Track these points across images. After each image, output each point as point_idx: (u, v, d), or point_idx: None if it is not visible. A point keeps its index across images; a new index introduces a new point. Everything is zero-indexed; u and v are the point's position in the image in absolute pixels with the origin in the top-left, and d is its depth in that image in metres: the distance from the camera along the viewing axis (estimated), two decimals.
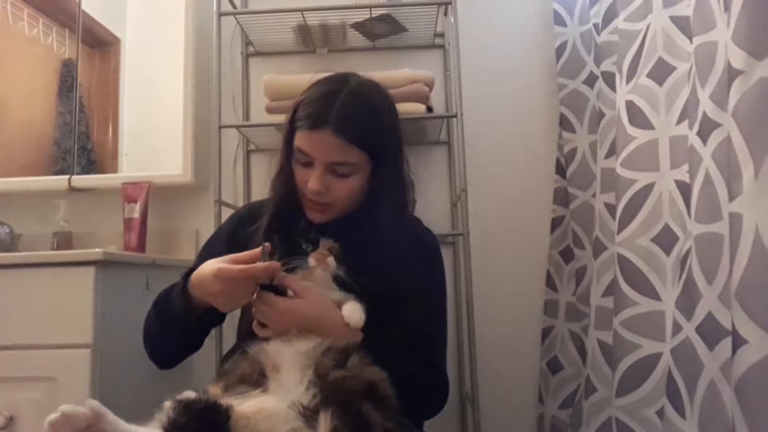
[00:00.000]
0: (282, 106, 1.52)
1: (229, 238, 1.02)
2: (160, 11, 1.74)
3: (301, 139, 0.93)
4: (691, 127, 0.91)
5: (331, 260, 0.87)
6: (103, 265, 1.16)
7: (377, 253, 0.92)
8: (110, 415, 0.62)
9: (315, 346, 0.78)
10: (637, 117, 1.11)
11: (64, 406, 0.59)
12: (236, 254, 0.84)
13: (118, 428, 0.62)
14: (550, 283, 1.60)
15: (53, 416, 0.58)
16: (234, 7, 1.66)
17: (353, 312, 0.83)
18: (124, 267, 1.28)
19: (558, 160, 1.63)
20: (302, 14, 1.54)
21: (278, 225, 0.97)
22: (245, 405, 0.69)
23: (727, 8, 0.76)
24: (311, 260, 0.86)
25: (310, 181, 0.92)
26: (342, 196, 0.95)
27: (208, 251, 1.02)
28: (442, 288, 1.05)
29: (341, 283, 0.88)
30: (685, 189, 1.00)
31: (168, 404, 0.68)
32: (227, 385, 0.75)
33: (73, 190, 1.65)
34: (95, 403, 0.61)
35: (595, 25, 1.47)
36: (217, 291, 0.81)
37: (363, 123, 0.93)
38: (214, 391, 0.73)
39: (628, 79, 1.14)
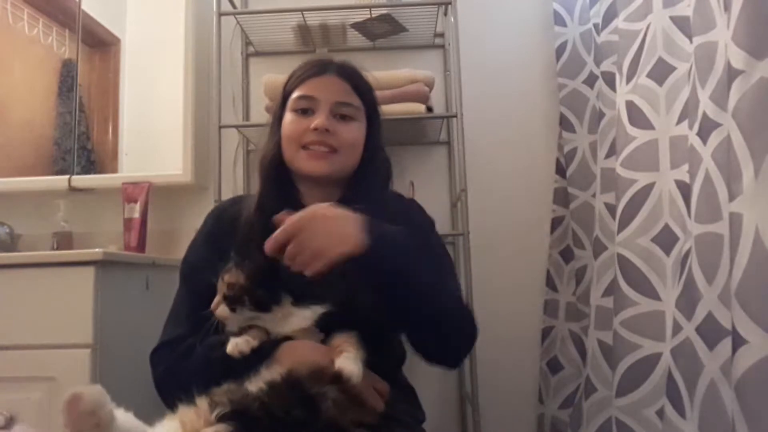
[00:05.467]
0: None
1: (209, 235, 0.99)
2: (160, 11, 1.74)
3: (304, 87, 0.98)
4: (691, 127, 0.91)
5: (221, 311, 0.80)
6: (103, 265, 1.16)
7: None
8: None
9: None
10: (637, 117, 1.11)
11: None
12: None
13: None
14: (550, 283, 1.60)
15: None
16: (234, 7, 1.66)
17: (349, 368, 0.74)
18: (124, 267, 1.28)
19: (558, 160, 1.63)
20: (302, 14, 1.54)
21: (269, 198, 0.96)
22: None
23: (727, 8, 0.76)
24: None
25: (317, 120, 0.94)
26: (346, 141, 0.96)
27: (194, 257, 0.99)
28: (441, 241, 1.05)
29: (262, 301, 0.80)
30: (685, 189, 1.00)
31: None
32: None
33: (73, 190, 1.65)
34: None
35: (595, 25, 1.47)
36: None
37: (359, 76, 1.02)
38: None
39: (628, 79, 1.14)
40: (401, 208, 1.03)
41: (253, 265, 0.81)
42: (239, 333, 0.79)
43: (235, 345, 0.77)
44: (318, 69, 0.99)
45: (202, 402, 0.68)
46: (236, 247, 0.87)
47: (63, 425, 0.57)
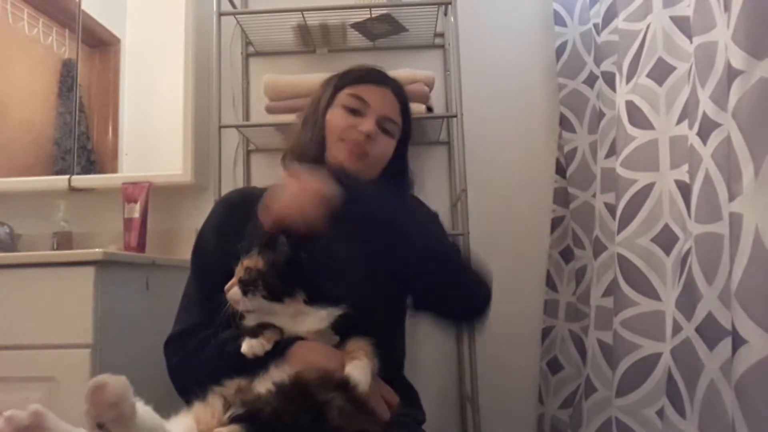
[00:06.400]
0: (282, 106, 1.52)
1: (220, 224, 0.99)
2: (160, 11, 1.74)
3: (361, 89, 1.03)
4: (691, 127, 0.91)
5: (233, 293, 0.80)
6: (103, 265, 1.16)
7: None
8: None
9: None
10: (637, 117, 1.11)
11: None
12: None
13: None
14: (550, 283, 1.60)
15: None
16: (234, 7, 1.66)
17: (358, 374, 0.74)
18: (124, 267, 1.28)
19: (558, 160, 1.63)
20: (302, 14, 1.54)
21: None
22: None
23: (727, 8, 0.76)
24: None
25: (365, 124, 1.00)
26: (381, 152, 1.03)
27: (205, 248, 0.99)
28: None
29: (276, 290, 0.81)
30: (685, 189, 1.00)
31: None
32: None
33: (73, 190, 1.65)
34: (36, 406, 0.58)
35: (595, 25, 1.47)
36: None
37: (407, 99, 1.10)
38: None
39: (628, 79, 1.14)
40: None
41: (275, 255, 0.82)
42: (255, 333, 0.80)
43: (250, 347, 0.78)
44: (378, 78, 1.06)
45: (216, 401, 0.69)
46: (259, 237, 0.88)
47: (85, 413, 0.56)
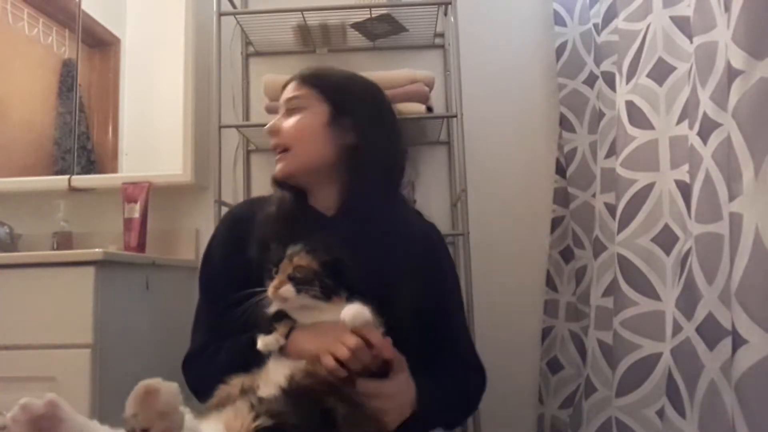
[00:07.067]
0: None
1: (225, 242, 1.00)
2: (160, 11, 1.74)
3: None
4: (691, 127, 0.91)
5: (286, 290, 0.80)
6: (103, 265, 1.16)
7: (390, 253, 0.93)
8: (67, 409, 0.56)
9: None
10: (637, 117, 1.11)
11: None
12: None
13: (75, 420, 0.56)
14: (550, 283, 1.60)
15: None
16: (234, 7, 1.66)
17: (348, 310, 0.77)
18: (124, 267, 1.28)
19: (558, 160, 1.63)
20: (302, 14, 1.54)
21: (284, 211, 0.96)
22: None
23: (727, 8, 0.76)
24: (269, 296, 0.81)
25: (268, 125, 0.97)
26: (290, 134, 0.94)
27: (212, 263, 1.00)
28: (457, 283, 1.10)
29: (329, 289, 0.81)
30: (685, 189, 1.00)
31: None
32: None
33: (73, 190, 1.65)
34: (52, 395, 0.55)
35: (595, 25, 1.47)
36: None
37: (327, 74, 1.00)
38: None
39: (628, 79, 1.14)
40: (424, 234, 1.04)
41: (326, 256, 0.82)
42: (268, 330, 0.81)
43: (265, 344, 0.80)
44: (289, 79, 1.01)
45: (243, 405, 0.68)
46: (264, 242, 0.89)
47: (129, 416, 0.53)
